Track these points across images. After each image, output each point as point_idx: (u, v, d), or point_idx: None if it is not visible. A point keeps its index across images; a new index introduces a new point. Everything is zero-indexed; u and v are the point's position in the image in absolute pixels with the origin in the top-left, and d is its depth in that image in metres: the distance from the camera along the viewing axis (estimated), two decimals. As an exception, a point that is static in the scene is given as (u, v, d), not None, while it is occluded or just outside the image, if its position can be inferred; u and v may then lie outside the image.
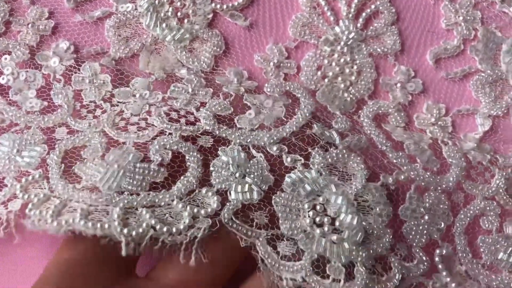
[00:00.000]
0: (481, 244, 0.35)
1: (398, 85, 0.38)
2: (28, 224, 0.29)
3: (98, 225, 0.29)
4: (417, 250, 0.34)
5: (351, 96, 0.37)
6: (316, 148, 0.33)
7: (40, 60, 0.36)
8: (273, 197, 0.31)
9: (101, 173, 0.31)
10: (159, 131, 0.33)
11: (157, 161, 0.32)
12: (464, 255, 0.35)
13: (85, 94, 0.35)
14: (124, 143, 0.33)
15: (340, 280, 0.30)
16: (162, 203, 0.31)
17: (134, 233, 0.29)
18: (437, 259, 0.34)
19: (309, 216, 0.31)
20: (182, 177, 0.32)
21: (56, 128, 0.34)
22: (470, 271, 0.35)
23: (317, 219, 0.31)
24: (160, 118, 0.33)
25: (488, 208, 0.36)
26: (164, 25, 0.38)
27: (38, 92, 0.35)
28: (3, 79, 0.36)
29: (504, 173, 0.37)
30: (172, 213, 0.31)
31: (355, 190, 0.32)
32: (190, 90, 0.35)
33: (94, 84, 0.36)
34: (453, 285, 0.34)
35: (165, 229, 0.30)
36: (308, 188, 0.31)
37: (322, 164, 0.32)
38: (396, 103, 0.37)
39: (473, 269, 0.35)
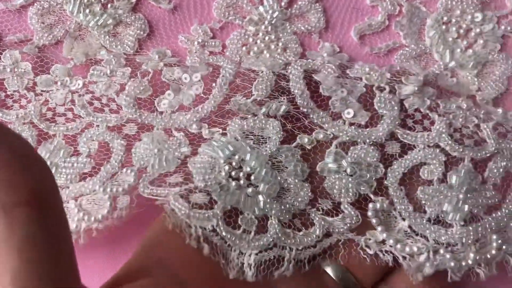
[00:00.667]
0: (421, 195, 0.33)
1: (325, 54, 0.38)
2: None
3: None
4: (346, 206, 0.32)
5: (278, 60, 0.37)
6: (234, 118, 0.33)
7: None
8: (189, 160, 0.32)
9: None
10: (87, 123, 0.35)
11: (85, 153, 0.34)
12: (403, 207, 0.32)
13: (8, 83, 0.36)
14: (54, 135, 0.35)
15: (250, 232, 0.31)
16: (87, 191, 0.33)
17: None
18: (369, 213, 0.32)
19: (224, 170, 0.32)
20: (105, 163, 0.33)
21: None
22: (414, 226, 0.32)
23: (233, 173, 0.32)
24: (85, 109, 0.35)
25: (430, 156, 0.33)
26: (87, 10, 0.38)
27: None
28: None
29: (445, 118, 0.34)
30: (96, 200, 0.33)
31: (269, 151, 0.32)
32: (108, 72, 0.35)
33: (15, 73, 0.36)
34: (391, 241, 0.32)
35: (92, 218, 0.32)
36: (222, 151, 0.32)
37: (238, 131, 0.33)
38: (325, 61, 0.36)
39: (417, 224, 0.32)
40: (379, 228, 0.32)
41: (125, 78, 0.35)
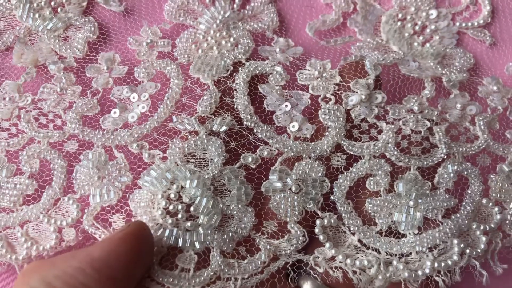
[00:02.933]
0: (369, 207, 0.33)
1: (278, 49, 0.37)
2: None
3: None
4: (292, 225, 0.32)
5: (225, 59, 0.35)
6: (175, 139, 0.33)
7: None
8: (129, 197, 0.32)
9: None
10: (29, 138, 0.34)
11: (28, 173, 0.34)
12: (352, 222, 0.32)
13: None
14: None
15: (189, 270, 0.30)
16: (32, 219, 0.33)
17: (20, 258, 0.32)
18: (316, 230, 0.32)
19: (159, 208, 0.31)
20: (47, 187, 0.33)
21: None
22: (364, 239, 0.32)
23: (170, 207, 0.31)
24: (29, 124, 0.35)
25: (375, 167, 0.33)
26: (37, 15, 0.38)
27: None
28: None
29: (393, 127, 0.33)
30: (41, 230, 0.33)
31: (212, 174, 0.32)
32: (58, 89, 0.35)
33: None
34: (340, 257, 0.31)
35: (41, 248, 0.32)
36: (159, 183, 0.31)
37: (178, 154, 0.32)
38: (276, 62, 0.35)
39: (367, 237, 0.32)
40: (327, 245, 0.31)
41: (75, 97, 0.35)
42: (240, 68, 0.35)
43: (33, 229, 0.33)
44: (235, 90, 0.34)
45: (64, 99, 0.35)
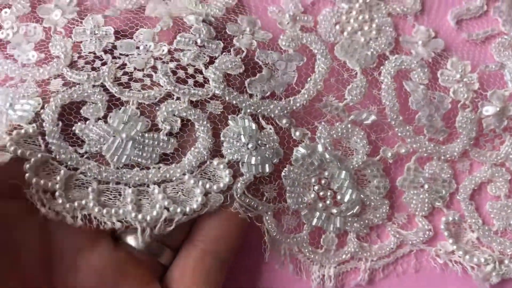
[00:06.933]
0: (490, 210, 0.37)
1: (420, 42, 0.39)
2: (30, 194, 0.30)
3: (113, 211, 0.31)
4: (420, 219, 0.37)
5: (372, 50, 0.37)
6: (323, 123, 0.35)
7: (41, 13, 0.36)
8: (283, 171, 0.34)
9: (107, 142, 0.32)
10: (166, 93, 0.33)
11: (166, 130, 0.33)
12: (474, 221, 0.37)
13: (85, 45, 0.34)
14: (127, 102, 0.33)
15: (331, 250, 0.36)
16: (173, 178, 0.32)
17: (148, 218, 0.31)
18: (442, 226, 0.37)
19: (314, 191, 0.35)
20: (192, 148, 0.33)
21: (52, 80, 0.34)
22: (482, 237, 0.37)
23: (321, 193, 0.35)
24: (167, 77, 0.33)
25: (496, 174, 0.38)
26: None
27: (36, 45, 0.35)
28: (1, 33, 0.36)
29: None
30: (184, 191, 0.32)
31: (356, 165, 0.35)
32: (199, 41, 0.34)
33: (95, 35, 0.34)
34: (460, 252, 0.36)
35: (178, 209, 0.31)
36: (315, 163, 0.35)
37: (328, 140, 0.35)
38: (419, 58, 0.38)
39: (485, 236, 0.37)
40: (450, 240, 0.36)
41: (216, 52, 0.34)
42: (386, 62, 0.37)
43: (173, 188, 0.33)
44: (382, 83, 0.36)
45: (204, 52, 0.34)
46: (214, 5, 0.37)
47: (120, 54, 0.34)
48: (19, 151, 0.30)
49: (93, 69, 0.33)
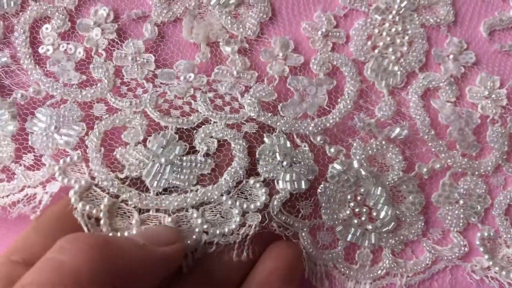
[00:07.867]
0: None
1: (451, 56, 0.39)
2: (77, 216, 0.32)
3: None
4: (455, 235, 0.37)
5: (401, 69, 0.38)
6: (357, 139, 0.36)
7: (81, 30, 0.37)
8: (319, 187, 0.35)
9: (147, 166, 0.33)
10: (204, 119, 0.35)
11: (202, 151, 0.34)
12: (509, 236, 0.37)
13: (126, 71, 0.36)
14: (166, 127, 0.34)
15: (366, 266, 0.36)
16: (212, 200, 0.33)
17: (188, 242, 0.32)
18: (477, 242, 0.37)
19: (349, 207, 0.36)
20: (229, 168, 0.34)
21: (94, 103, 0.35)
22: None
23: (357, 209, 0.36)
24: (205, 104, 0.35)
25: None
26: None
27: (77, 65, 0.36)
28: (42, 48, 0.36)
29: None
30: (222, 212, 0.33)
31: (392, 181, 0.36)
32: (235, 73, 0.37)
33: (137, 62, 0.37)
34: (496, 268, 0.36)
35: (217, 231, 0.33)
36: (351, 180, 0.35)
37: (363, 156, 0.36)
38: (447, 76, 0.39)
39: None
40: (486, 256, 0.37)
41: (251, 82, 0.37)
42: (414, 82, 0.38)
43: (212, 211, 0.33)
44: (409, 101, 0.37)
45: (240, 82, 0.37)
46: (248, 23, 0.38)
47: (161, 83, 0.36)
48: (65, 181, 0.32)
49: (135, 96, 0.35)
